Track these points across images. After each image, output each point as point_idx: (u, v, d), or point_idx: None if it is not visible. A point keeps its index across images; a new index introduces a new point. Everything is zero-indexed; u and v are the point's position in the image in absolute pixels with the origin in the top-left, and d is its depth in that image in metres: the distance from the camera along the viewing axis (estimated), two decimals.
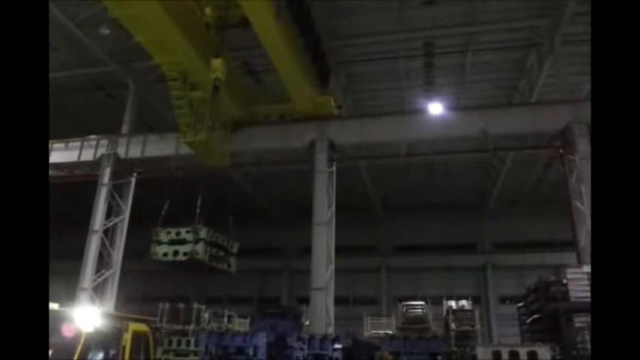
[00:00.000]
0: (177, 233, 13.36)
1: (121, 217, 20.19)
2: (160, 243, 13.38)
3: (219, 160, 18.60)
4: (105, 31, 17.14)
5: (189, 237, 13.24)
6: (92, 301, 17.91)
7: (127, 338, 6.48)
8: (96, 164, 20.31)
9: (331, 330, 15.97)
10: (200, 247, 12.87)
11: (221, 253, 13.91)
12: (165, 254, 13.20)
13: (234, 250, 15.18)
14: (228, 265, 14.55)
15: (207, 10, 13.65)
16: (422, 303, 21.64)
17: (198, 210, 14.40)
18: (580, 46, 19.22)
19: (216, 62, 13.64)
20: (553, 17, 17.92)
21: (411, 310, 21.28)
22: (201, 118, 16.88)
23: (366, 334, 22.05)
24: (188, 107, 16.61)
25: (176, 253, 13.18)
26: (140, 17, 13.19)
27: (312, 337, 12.32)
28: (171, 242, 13.52)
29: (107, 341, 6.46)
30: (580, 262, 15.09)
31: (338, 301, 17.96)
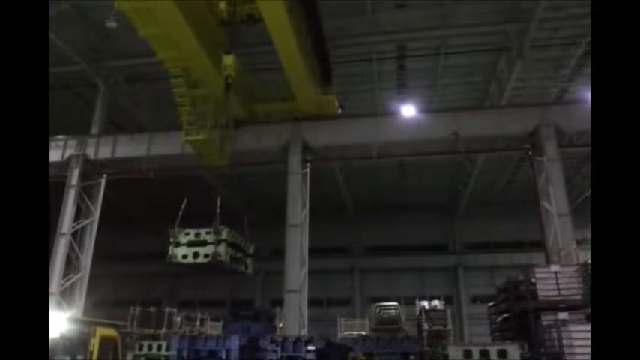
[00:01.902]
0: (197, 234, 12.87)
1: (90, 220, 19.73)
2: (178, 244, 12.91)
3: (220, 160, 18.33)
4: (112, 24, 16.72)
5: (210, 238, 12.79)
6: (60, 305, 17.45)
7: (95, 343, 6.35)
8: (64, 165, 19.81)
9: (305, 332, 15.95)
10: (222, 249, 12.48)
11: (239, 254, 13.57)
12: (184, 256, 12.71)
13: (251, 250, 14.89)
14: (246, 267, 14.25)
15: (222, 5, 13.39)
16: (395, 303, 21.83)
17: (218, 210, 13.99)
18: (547, 51, 19.77)
19: (228, 59, 13.34)
20: (522, 22, 18.32)
21: (384, 311, 21.44)
22: (203, 117, 16.61)
23: (340, 335, 22.13)
24: (190, 105, 16.32)
25: (196, 254, 12.73)
26: (149, 11, 12.85)
27: (285, 339, 12.26)
28: (190, 244, 13.03)
29: (74, 347, 6.31)
30: (548, 262, 15.46)
31: (312, 302, 17.95)
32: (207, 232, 12.89)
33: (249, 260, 14.83)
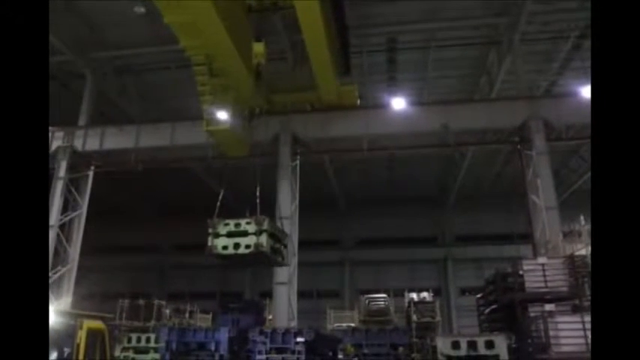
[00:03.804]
0: (237, 225, 12.47)
1: (78, 212, 19.58)
2: (217, 235, 12.62)
3: (240, 150, 18.19)
4: (140, 9, 16.47)
5: (251, 228, 12.49)
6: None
7: (82, 336, 6.31)
8: (51, 157, 19.59)
9: (294, 324, 16.01)
10: (264, 239, 12.24)
11: (277, 245, 13.39)
12: (224, 247, 12.41)
13: (286, 241, 14.76)
14: (282, 258, 14.11)
15: None
16: (384, 295, 21.93)
17: (257, 200, 13.73)
18: (537, 44, 19.85)
19: (259, 46, 13.16)
20: (512, 16, 18.35)
21: (373, 303, 21.53)
22: (223, 106, 16.45)
23: (329, 327, 22.23)
24: (212, 95, 16.16)
25: (237, 245, 12.43)
26: None
27: (274, 331, 12.28)
28: (230, 234, 12.73)
29: (61, 339, 6.26)
30: (535, 254, 15.62)
31: (301, 294, 17.99)
32: (247, 223, 12.52)
33: (285, 251, 14.69)
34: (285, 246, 14.05)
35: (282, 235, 13.74)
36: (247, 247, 11.94)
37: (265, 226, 12.09)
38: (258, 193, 13.83)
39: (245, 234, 12.13)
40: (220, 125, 16.54)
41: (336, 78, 17.20)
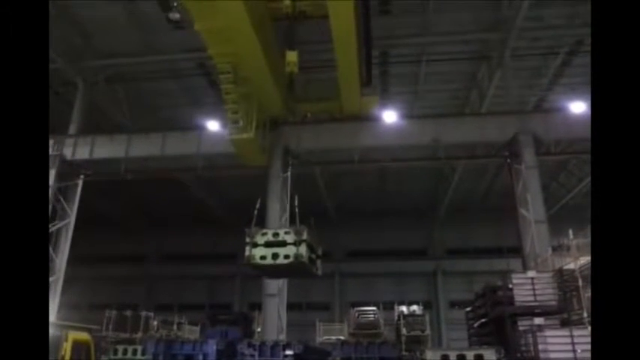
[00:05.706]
0: (275, 234, 12.39)
1: (65, 222, 19.37)
2: (255, 245, 12.49)
3: (258, 159, 18.13)
4: (175, 15, 16.42)
5: (290, 238, 12.36)
6: None
7: (66, 348, 6.21)
8: None
9: (283, 336, 15.88)
10: (304, 249, 12.12)
11: (313, 256, 13.27)
12: (262, 257, 12.30)
13: (320, 252, 14.69)
14: (317, 269, 14.01)
15: (287, 0, 13.29)
16: (374, 308, 21.84)
17: (296, 210, 13.56)
18: (527, 60, 20.11)
19: (292, 55, 13.09)
20: (502, 31, 18.58)
21: (363, 316, 21.42)
22: (247, 115, 16.37)
23: (319, 339, 22.09)
24: (236, 103, 16.07)
25: (276, 255, 12.30)
26: (211, 2, 12.55)
27: (262, 344, 12.21)
28: (268, 244, 12.60)
29: None
30: (525, 268, 15.68)
31: (291, 307, 17.86)
32: (286, 232, 12.45)
33: (319, 262, 14.62)
34: (319, 256, 13.91)
35: (317, 245, 13.61)
36: (286, 257, 11.74)
37: (304, 236, 11.94)
38: (296, 203, 13.61)
39: (284, 244, 11.98)
40: (244, 134, 16.43)
41: (360, 88, 17.27)
